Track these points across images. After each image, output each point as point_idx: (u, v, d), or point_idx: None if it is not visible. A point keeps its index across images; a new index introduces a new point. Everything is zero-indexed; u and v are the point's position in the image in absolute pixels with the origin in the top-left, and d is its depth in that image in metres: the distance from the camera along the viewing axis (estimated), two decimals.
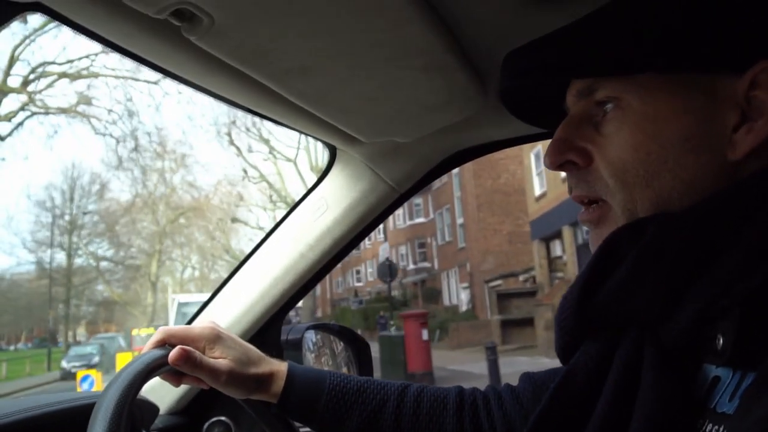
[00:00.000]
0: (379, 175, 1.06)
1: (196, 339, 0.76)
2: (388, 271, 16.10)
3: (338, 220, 1.07)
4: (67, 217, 28.37)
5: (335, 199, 1.08)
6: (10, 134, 21.61)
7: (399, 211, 33.98)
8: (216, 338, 0.77)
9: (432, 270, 30.71)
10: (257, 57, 0.71)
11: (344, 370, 1.33)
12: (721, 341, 0.43)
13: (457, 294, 26.77)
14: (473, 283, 24.04)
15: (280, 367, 0.82)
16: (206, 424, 1.06)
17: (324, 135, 0.97)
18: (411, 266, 33.10)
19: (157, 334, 0.75)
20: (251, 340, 1.15)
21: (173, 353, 0.71)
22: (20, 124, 21.84)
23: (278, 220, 1.16)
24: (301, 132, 0.95)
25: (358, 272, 40.39)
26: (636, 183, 0.51)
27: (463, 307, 24.57)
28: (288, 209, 1.15)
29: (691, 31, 0.48)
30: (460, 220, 25.48)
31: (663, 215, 0.49)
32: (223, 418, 1.11)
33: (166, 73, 0.75)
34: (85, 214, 29.35)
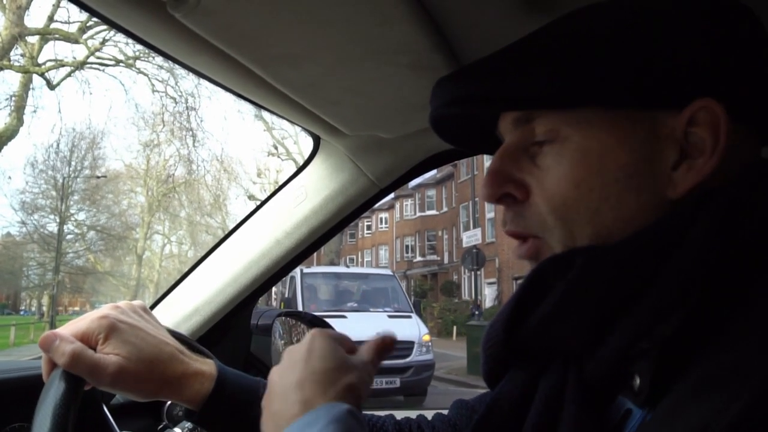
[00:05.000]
0: (361, 169, 1.06)
1: (86, 333, 0.65)
2: (475, 259, 14.91)
3: (316, 210, 1.07)
4: (61, 181, 27.67)
5: (315, 189, 1.08)
6: (59, 84, 20.36)
7: (408, 202, 33.78)
8: (110, 330, 0.65)
9: (442, 263, 30.44)
10: (245, 41, 0.71)
11: None
12: (638, 381, 0.42)
13: (480, 289, 26.79)
14: (501, 279, 23.87)
15: (205, 367, 0.71)
16: (168, 403, 1.06)
17: (308, 124, 0.97)
18: (418, 258, 32.72)
19: (42, 346, 0.64)
20: (221, 323, 1.15)
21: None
22: (72, 72, 20.56)
23: (257, 204, 1.16)
24: (284, 118, 0.95)
25: (351, 260, 40.25)
26: (577, 220, 0.49)
27: (488, 303, 24.46)
28: (268, 195, 1.15)
29: (632, 66, 0.47)
30: (489, 215, 25.22)
31: (592, 248, 0.48)
32: None
33: (151, 48, 0.75)
34: (98, 178, 28.47)
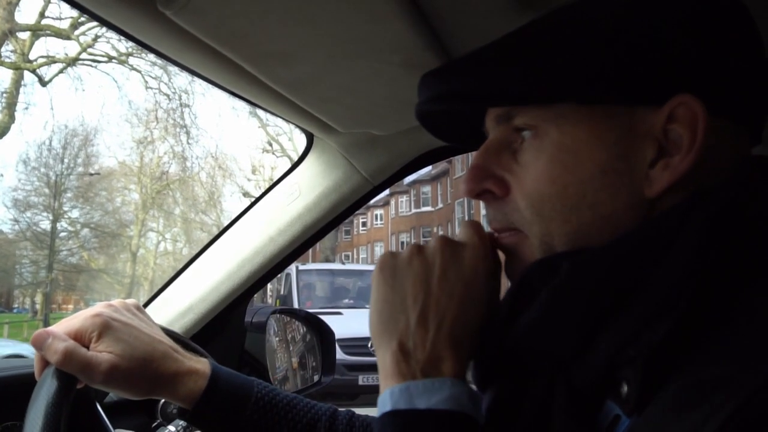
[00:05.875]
0: (354, 166, 1.06)
1: (79, 332, 0.65)
2: None
3: (310, 207, 1.08)
4: (54, 178, 27.53)
5: (309, 186, 1.08)
6: (50, 81, 20.24)
7: (403, 199, 33.85)
8: (103, 328, 0.65)
9: None
10: (236, 38, 0.70)
11: (308, 356, 1.34)
12: (626, 389, 0.41)
13: None
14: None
15: (198, 365, 0.72)
16: (162, 400, 1.06)
17: (301, 121, 0.97)
18: None
19: (35, 344, 0.65)
20: (215, 320, 1.15)
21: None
22: (64, 68, 20.40)
23: (251, 202, 1.16)
24: (278, 116, 0.95)
25: (347, 257, 40.32)
26: (553, 217, 0.49)
27: None
28: (261, 192, 1.15)
29: (610, 61, 0.46)
30: (485, 211, 25.11)
31: (577, 253, 0.47)
32: None
33: (143, 45, 0.74)
34: (91, 175, 28.32)
